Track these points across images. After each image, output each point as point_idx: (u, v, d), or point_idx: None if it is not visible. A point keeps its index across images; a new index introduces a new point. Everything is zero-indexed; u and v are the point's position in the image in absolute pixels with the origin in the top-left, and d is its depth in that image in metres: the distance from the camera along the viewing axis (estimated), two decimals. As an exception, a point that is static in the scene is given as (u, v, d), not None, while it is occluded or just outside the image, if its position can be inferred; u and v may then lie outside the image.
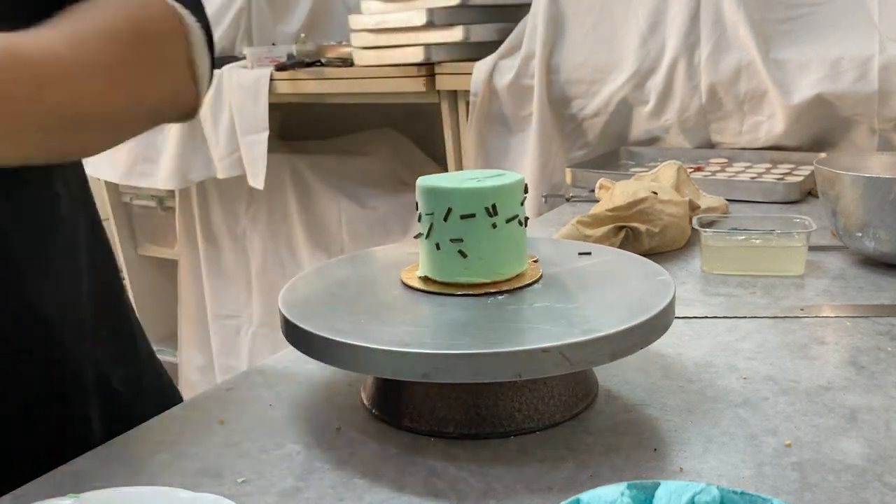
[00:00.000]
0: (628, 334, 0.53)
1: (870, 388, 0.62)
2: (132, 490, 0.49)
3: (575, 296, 0.60)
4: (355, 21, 1.70)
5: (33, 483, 0.53)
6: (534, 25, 1.54)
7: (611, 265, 0.66)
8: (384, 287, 0.63)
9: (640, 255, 0.69)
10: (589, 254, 0.68)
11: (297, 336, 0.57)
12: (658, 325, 0.56)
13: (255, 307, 2.22)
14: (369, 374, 0.54)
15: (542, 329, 0.54)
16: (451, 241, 0.60)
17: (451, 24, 1.61)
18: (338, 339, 0.54)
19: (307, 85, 1.81)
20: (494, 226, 0.59)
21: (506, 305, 0.58)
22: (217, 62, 0.74)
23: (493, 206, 0.59)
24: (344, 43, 1.83)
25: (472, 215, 0.59)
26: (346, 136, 2.25)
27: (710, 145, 1.46)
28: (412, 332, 0.55)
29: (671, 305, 0.58)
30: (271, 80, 1.81)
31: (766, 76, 1.34)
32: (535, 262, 0.66)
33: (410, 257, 0.67)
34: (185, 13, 0.61)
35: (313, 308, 0.60)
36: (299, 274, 0.67)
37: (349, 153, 2.17)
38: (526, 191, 0.62)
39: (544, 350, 0.51)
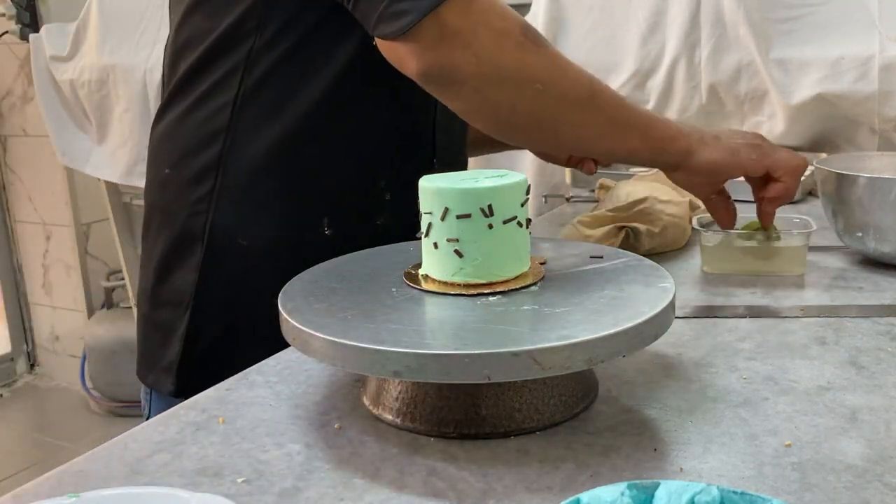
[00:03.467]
0: (606, 341, 0.52)
1: (870, 388, 0.62)
2: (132, 490, 0.49)
3: (568, 300, 0.59)
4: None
5: (33, 483, 0.53)
6: (534, 25, 1.54)
7: (618, 269, 0.66)
8: (384, 284, 0.63)
9: (641, 255, 0.69)
10: (600, 257, 0.68)
11: (287, 331, 0.58)
12: (641, 333, 0.54)
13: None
14: (347, 370, 0.54)
15: (520, 332, 0.54)
16: (448, 240, 0.60)
17: (451, 24, 1.61)
18: (318, 334, 0.54)
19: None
20: (491, 226, 0.59)
21: (495, 307, 0.58)
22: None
23: (490, 207, 0.59)
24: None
25: (468, 215, 0.59)
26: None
27: (711, 145, 1.46)
28: (395, 330, 0.55)
29: (661, 315, 0.56)
30: (272, 79, 1.81)
31: (766, 76, 1.34)
32: (542, 263, 0.65)
33: (416, 255, 0.67)
34: None
35: (310, 306, 0.60)
36: (299, 273, 0.67)
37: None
38: (528, 192, 0.62)
39: (514, 353, 0.50)
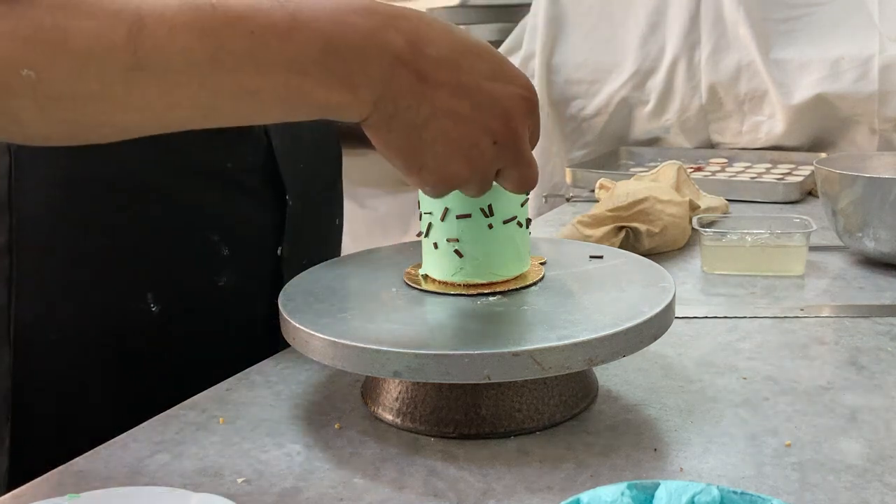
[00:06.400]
0: (606, 341, 0.52)
1: (870, 388, 0.62)
2: (132, 490, 0.49)
3: (568, 300, 0.59)
4: (355, 21, 1.70)
5: (33, 483, 0.53)
6: (534, 25, 1.54)
7: (617, 269, 0.66)
8: (384, 284, 0.64)
9: (640, 255, 0.69)
10: (600, 257, 0.68)
11: (287, 331, 0.58)
12: (641, 333, 0.54)
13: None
14: (347, 370, 0.54)
15: (520, 332, 0.54)
16: (448, 240, 0.60)
17: (451, 25, 1.61)
18: (319, 335, 0.54)
19: (307, 85, 1.81)
20: (491, 226, 0.59)
21: (495, 307, 0.58)
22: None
23: (490, 207, 0.59)
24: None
25: (468, 215, 0.59)
26: (345, 136, 2.24)
27: (710, 145, 1.46)
28: (394, 330, 0.55)
29: (661, 315, 0.56)
30: (271, 80, 1.81)
31: (766, 76, 1.34)
32: (542, 263, 0.65)
33: (416, 255, 0.67)
34: None
35: (310, 305, 0.60)
36: (300, 274, 0.67)
37: (348, 153, 2.16)
38: (528, 192, 0.62)
39: (514, 354, 0.50)
